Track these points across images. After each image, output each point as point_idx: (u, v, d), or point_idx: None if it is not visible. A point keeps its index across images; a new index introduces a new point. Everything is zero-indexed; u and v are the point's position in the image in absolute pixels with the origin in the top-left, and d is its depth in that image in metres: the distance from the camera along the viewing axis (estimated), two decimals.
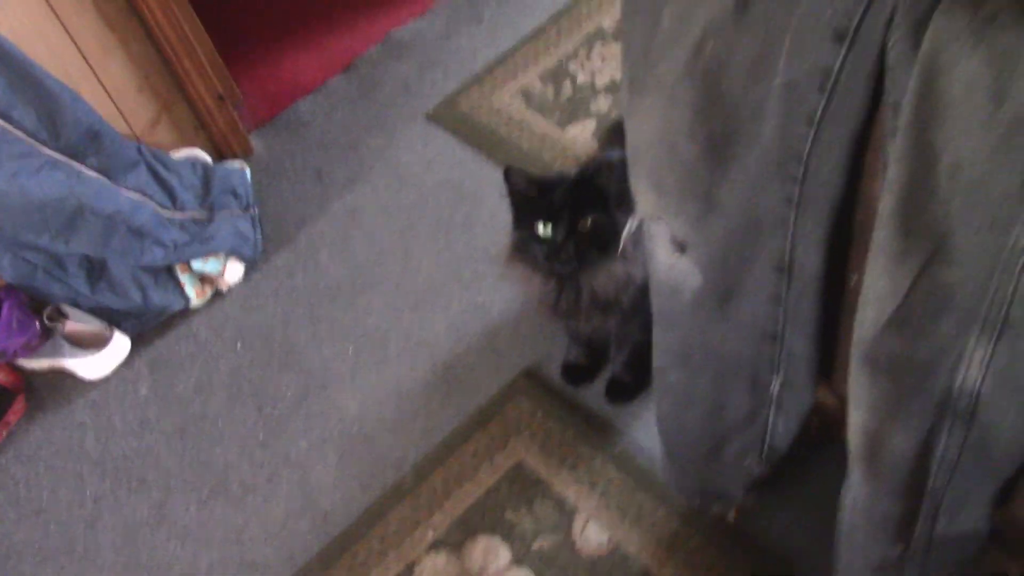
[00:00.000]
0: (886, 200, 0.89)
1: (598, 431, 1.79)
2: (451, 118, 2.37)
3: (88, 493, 1.97)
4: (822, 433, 1.47)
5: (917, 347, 0.93)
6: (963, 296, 0.89)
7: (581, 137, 2.23)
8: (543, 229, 1.54)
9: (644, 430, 1.77)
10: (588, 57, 2.39)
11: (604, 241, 1.55)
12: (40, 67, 1.89)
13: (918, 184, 0.86)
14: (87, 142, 1.98)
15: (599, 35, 2.43)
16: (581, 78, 2.35)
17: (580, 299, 1.61)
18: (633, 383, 1.81)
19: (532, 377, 1.90)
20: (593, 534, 1.67)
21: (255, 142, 2.48)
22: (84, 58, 2.10)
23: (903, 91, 0.86)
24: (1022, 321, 0.87)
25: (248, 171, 2.35)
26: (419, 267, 2.13)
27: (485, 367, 1.94)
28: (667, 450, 1.50)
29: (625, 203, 1.60)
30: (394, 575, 1.71)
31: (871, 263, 0.93)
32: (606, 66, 2.35)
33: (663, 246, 1.17)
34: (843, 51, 0.89)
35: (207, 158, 2.35)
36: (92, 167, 1.99)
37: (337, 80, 2.58)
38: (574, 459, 1.76)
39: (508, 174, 1.57)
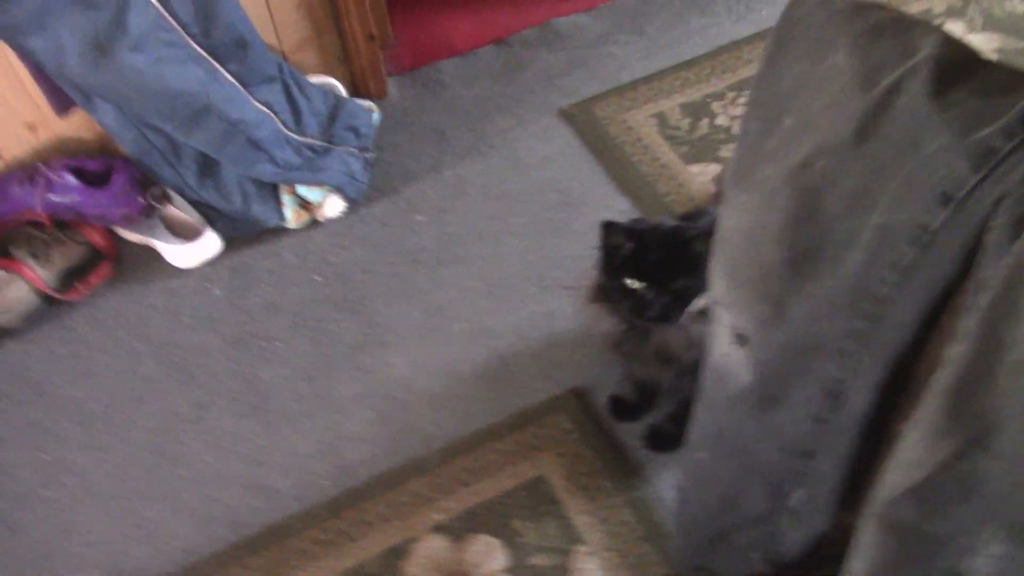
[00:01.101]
0: (942, 373, 0.88)
1: (626, 471, 1.80)
2: (583, 121, 2.38)
3: (139, 372, 2.05)
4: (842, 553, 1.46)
5: (933, 523, 0.93)
6: (992, 489, 0.88)
7: (701, 178, 2.22)
8: (632, 284, 1.54)
9: (669, 484, 1.77)
10: (734, 102, 2.37)
11: (689, 301, 1.56)
12: None
13: (978, 369, 0.85)
14: (234, 48, 2.04)
15: (751, 83, 2.40)
16: (720, 120, 2.34)
17: (645, 347, 1.62)
18: (674, 435, 1.80)
19: (580, 397, 1.91)
20: (590, 567, 1.69)
21: (391, 88, 2.53)
22: None
23: (990, 273, 0.85)
24: None
25: (376, 114, 2.40)
26: (505, 257, 2.16)
27: (538, 373, 1.96)
28: (679, 519, 1.51)
29: None
30: (393, 543, 1.75)
31: (910, 428, 0.93)
32: None
33: (724, 333, 1.18)
34: (944, 215, 0.89)
35: (341, 90, 2.40)
36: (231, 72, 2.05)
37: (487, 51, 2.61)
38: (595, 490, 1.78)
39: (607, 228, 1.57)
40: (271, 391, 2.00)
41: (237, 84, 2.06)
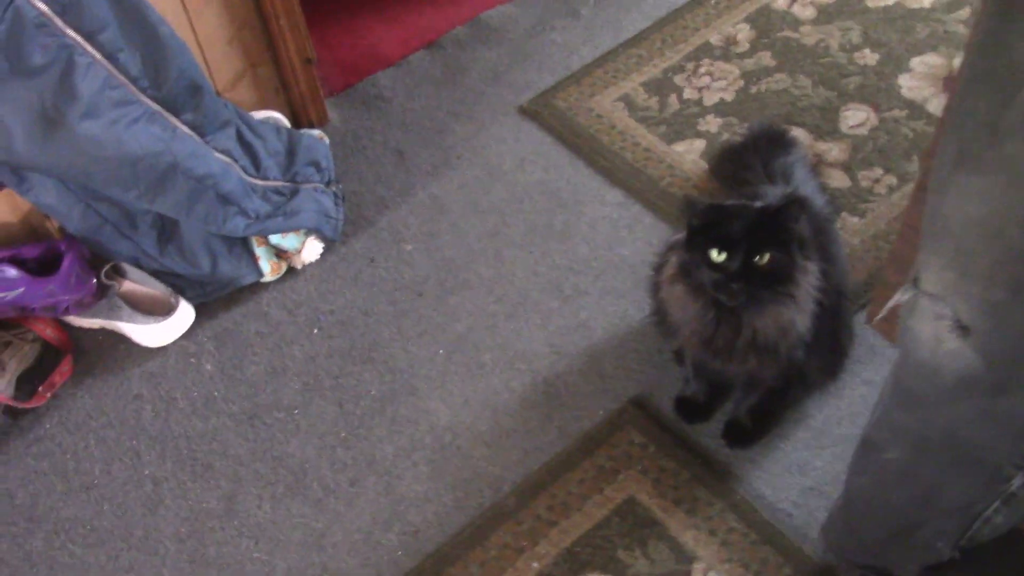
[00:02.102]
0: None
1: (716, 475, 1.72)
2: (547, 115, 2.26)
3: (147, 473, 1.82)
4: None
5: None
6: None
7: (689, 156, 2.15)
8: (717, 256, 1.46)
9: (764, 480, 1.70)
10: (695, 72, 2.30)
11: (778, 281, 1.48)
12: (155, 11, 1.73)
13: None
14: (187, 96, 1.82)
15: (706, 51, 2.34)
16: (688, 93, 2.26)
17: (739, 338, 1.53)
18: (755, 429, 1.74)
19: (641, 407, 1.81)
20: None
21: (330, 112, 2.33)
22: (182, 1, 1.94)
23: None
24: None
25: (327, 142, 2.21)
26: (513, 274, 2.02)
27: (589, 390, 1.85)
28: (848, 520, 1.43)
29: (808, 247, 1.52)
30: None
31: None
32: (714, 84, 2.27)
33: (935, 325, 1.10)
34: None
35: (287, 123, 2.20)
36: (187, 123, 1.83)
37: (420, 57, 2.44)
38: (690, 502, 1.69)
39: (688, 201, 1.49)
40: (305, 465, 1.81)
41: (195, 135, 1.85)
